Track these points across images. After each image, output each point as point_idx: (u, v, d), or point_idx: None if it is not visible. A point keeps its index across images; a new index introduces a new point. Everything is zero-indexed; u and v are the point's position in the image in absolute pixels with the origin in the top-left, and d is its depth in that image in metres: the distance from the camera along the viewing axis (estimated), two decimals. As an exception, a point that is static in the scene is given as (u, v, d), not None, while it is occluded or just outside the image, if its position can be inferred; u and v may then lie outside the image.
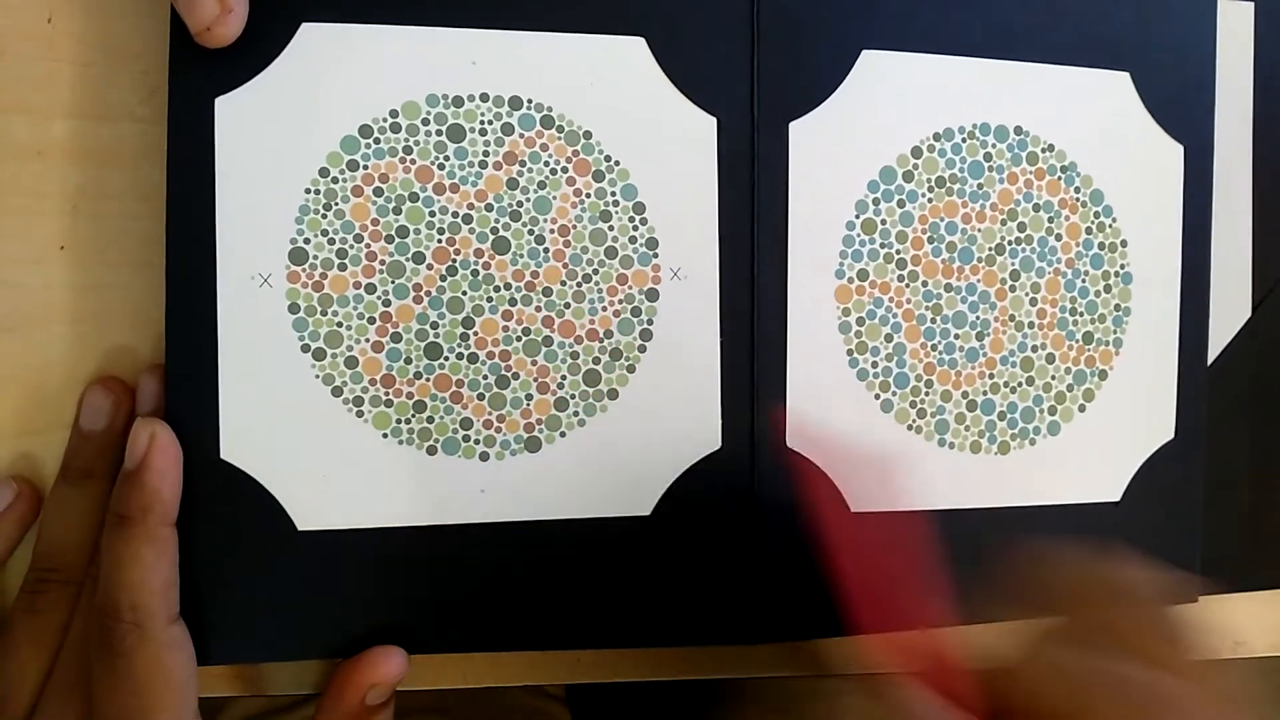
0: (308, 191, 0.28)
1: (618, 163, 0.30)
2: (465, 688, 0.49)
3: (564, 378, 0.30)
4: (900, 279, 0.32)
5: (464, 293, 0.29)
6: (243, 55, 0.28)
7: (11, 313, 0.29)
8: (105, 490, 0.29)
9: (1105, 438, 0.34)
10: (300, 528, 0.29)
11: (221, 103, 0.28)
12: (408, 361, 0.29)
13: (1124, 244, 0.34)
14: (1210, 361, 0.35)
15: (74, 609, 0.29)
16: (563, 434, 0.30)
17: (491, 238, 0.29)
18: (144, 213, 0.30)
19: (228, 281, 0.28)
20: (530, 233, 0.29)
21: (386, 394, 0.29)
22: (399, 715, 0.48)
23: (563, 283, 0.30)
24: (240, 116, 0.28)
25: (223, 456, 0.28)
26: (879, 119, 0.31)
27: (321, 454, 0.29)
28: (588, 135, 0.30)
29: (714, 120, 0.30)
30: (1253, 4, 0.36)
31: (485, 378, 0.29)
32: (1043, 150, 0.33)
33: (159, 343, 0.29)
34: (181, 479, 0.28)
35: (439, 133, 0.29)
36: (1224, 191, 0.35)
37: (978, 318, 0.33)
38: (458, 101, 0.29)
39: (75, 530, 0.29)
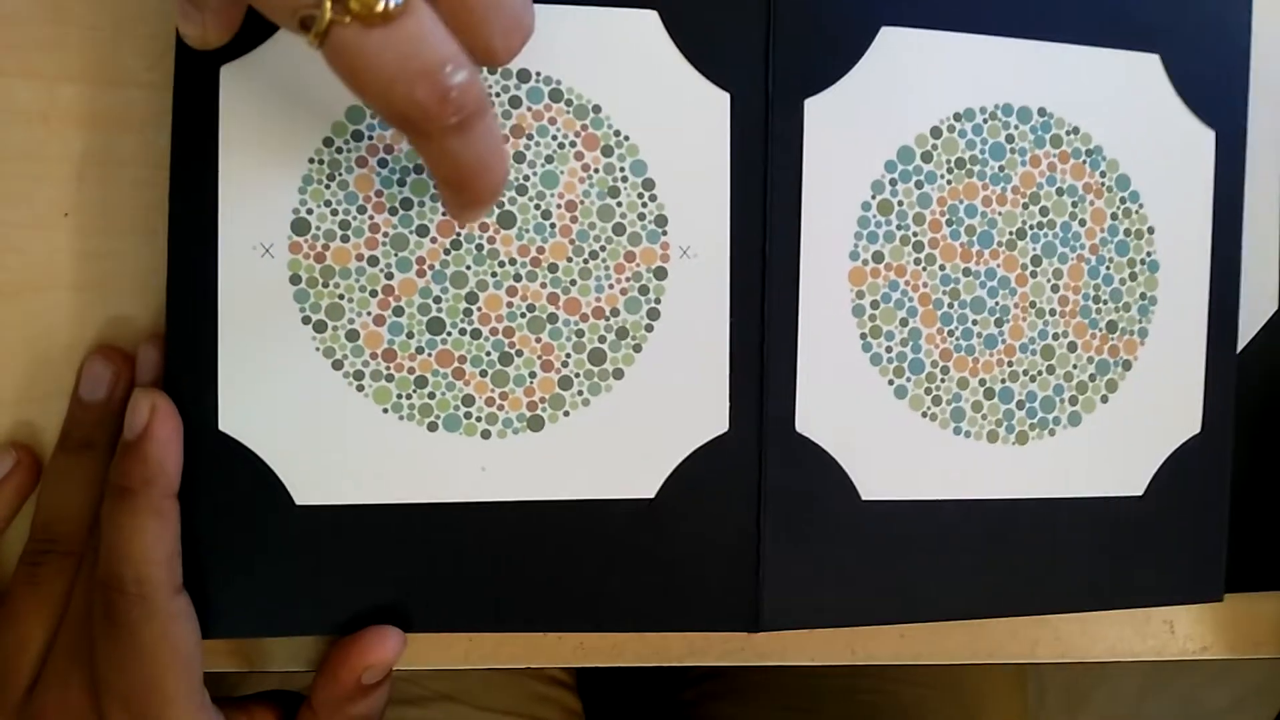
0: (311, 161, 0.28)
1: (627, 138, 0.29)
2: (479, 673, 0.49)
3: (569, 356, 0.29)
4: (917, 262, 0.31)
5: (468, 267, 0.29)
6: (248, 23, 0.27)
7: (14, 279, 0.29)
8: (105, 460, 0.28)
9: (1128, 430, 0.33)
10: (298, 502, 0.28)
11: (227, 70, 0.27)
12: (409, 336, 0.28)
13: (1151, 231, 0.33)
14: (1237, 352, 0.34)
15: (74, 580, 0.29)
16: (566, 413, 0.29)
17: (497, 212, 0.29)
18: (150, 180, 0.29)
19: (229, 251, 0.28)
20: (537, 207, 0.29)
21: (388, 368, 0.28)
22: (414, 702, 0.48)
23: (569, 259, 0.29)
24: (245, 84, 0.27)
25: (221, 428, 0.28)
26: (897, 97, 0.31)
27: (321, 428, 0.28)
28: (597, 109, 0.29)
29: (727, 96, 0.30)
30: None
31: (488, 354, 0.29)
32: (1067, 133, 0.32)
33: (161, 312, 0.29)
34: (182, 450, 0.27)
35: (446, 104, 0.28)
36: (1252, 178, 0.34)
37: (997, 303, 0.32)
38: (465, 72, 0.28)
39: (75, 501, 0.29)
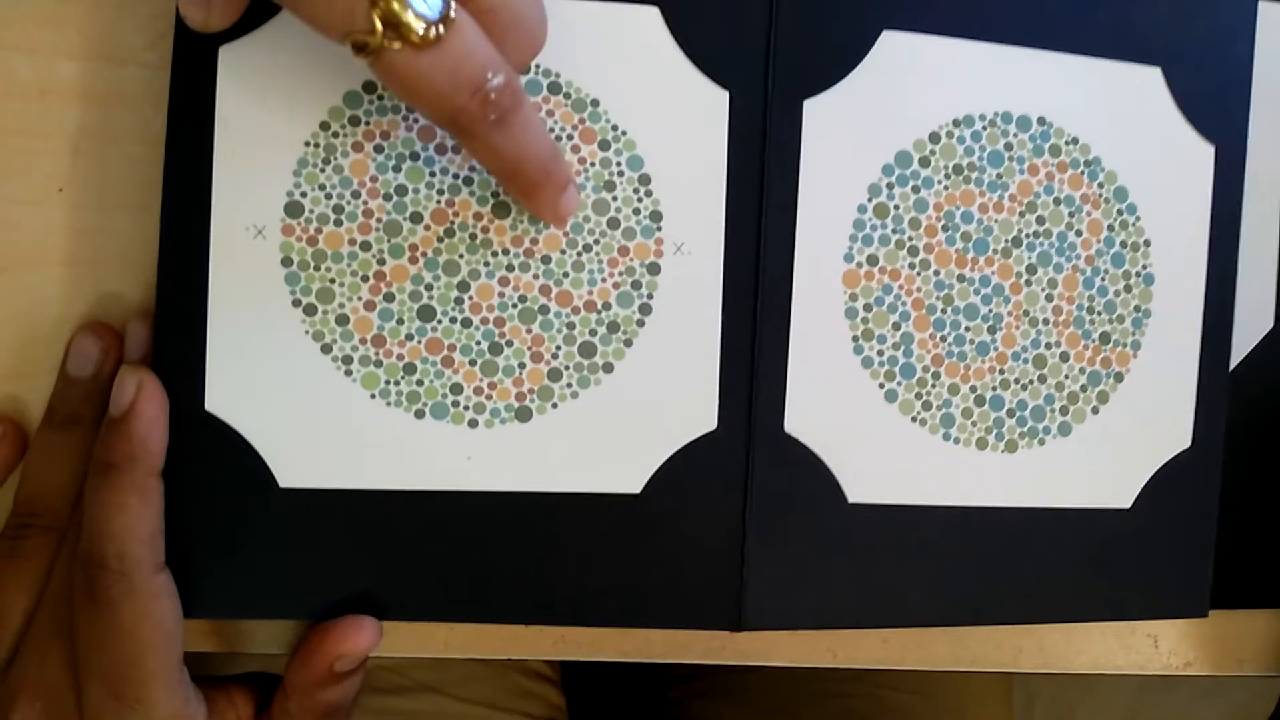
0: (307, 144, 0.28)
1: (624, 133, 0.29)
2: (463, 665, 0.49)
3: (559, 348, 0.29)
4: (911, 266, 0.31)
5: (461, 256, 0.29)
6: (251, 4, 0.27)
7: (6, 253, 0.29)
8: (90, 437, 0.28)
9: (1118, 442, 0.33)
10: (282, 484, 0.28)
11: (225, 50, 0.27)
12: (400, 322, 0.28)
13: (1147, 244, 0.33)
14: (1230, 370, 0.34)
15: (56, 555, 0.28)
16: (554, 405, 0.29)
17: (492, 201, 0.29)
18: (145, 158, 0.29)
19: (221, 231, 0.28)
20: (532, 199, 0.29)
21: (376, 354, 0.28)
22: (397, 692, 0.48)
23: (562, 251, 0.29)
24: (243, 65, 0.27)
25: (207, 408, 0.28)
26: (897, 101, 0.31)
27: (307, 411, 0.28)
28: (595, 104, 0.29)
29: (726, 94, 0.29)
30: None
31: (478, 343, 0.29)
32: (1066, 143, 0.32)
33: (152, 290, 0.29)
34: (168, 428, 0.27)
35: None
36: (1251, 195, 0.34)
37: (990, 311, 0.32)
38: (464, 60, 0.28)
39: (59, 476, 0.29)
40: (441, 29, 0.22)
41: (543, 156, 0.26)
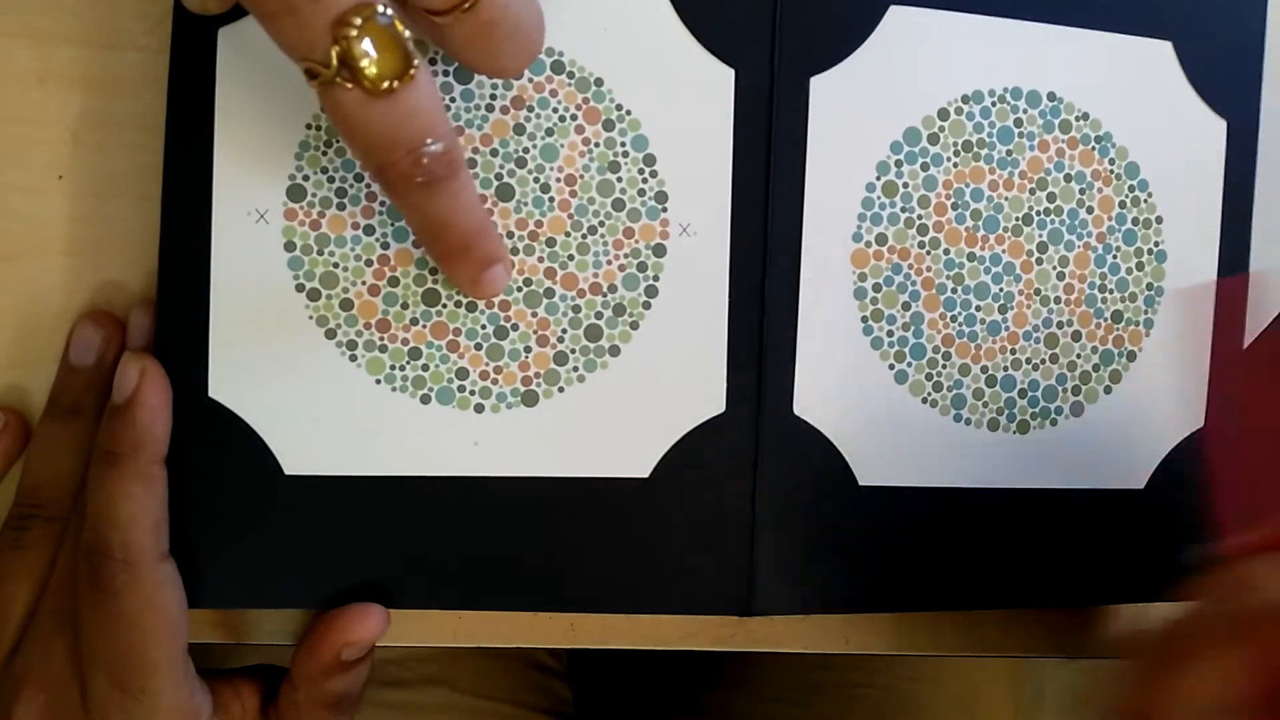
0: (309, 127, 0.28)
1: (629, 112, 0.29)
2: (467, 658, 0.49)
3: (564, 331, 0.29)
4: (921, 245, 0.31)
5: (465, 239, 0.28)
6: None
7: (7, 242, 0.29)
8: (92, 427, 0.28)
9: (1131, 422, 0.32)
10: (287, 472, 0.28)
11: (224, 33, 0.27)
12: (404, 307, 0.28)
13: (1159, 221, 0.32)
14: (1244, 347, 0.34)
15: (60, 545, 0.28)
16: (561, 389, 0.29)
17: (495, 184, 0.28)
18: (145, 144, 0.29)
19: (223, 216, 0.27)
20: (535, 181, 0.28)
21: (381, 339, 0.28)
22: (400, 684, 0.47)
23: (567, 234, 0.29)
24: (243, 47, 0.27)
25: (210, 395, 0.27)
26: (905, 78, 0.30)
27: (312, 397, 0.28)
28: (599, 83, 0.29)
29: (731, 72, 0.29)
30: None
31: (483, 327, 0.29)
32: (1077, 119, 0.31)
33: (153, 278, 0.29)
34: (171, 416, 0.27)
35: (445, 73, 0.28)
36: (1263, 170, 0.33)
37: (1001, 290, 0.31)
38: (466, 41, 0.28)
39: (62, 466, 0.28)
40: (396, 83, 0.22)
41: (465, 230, 0.26)
